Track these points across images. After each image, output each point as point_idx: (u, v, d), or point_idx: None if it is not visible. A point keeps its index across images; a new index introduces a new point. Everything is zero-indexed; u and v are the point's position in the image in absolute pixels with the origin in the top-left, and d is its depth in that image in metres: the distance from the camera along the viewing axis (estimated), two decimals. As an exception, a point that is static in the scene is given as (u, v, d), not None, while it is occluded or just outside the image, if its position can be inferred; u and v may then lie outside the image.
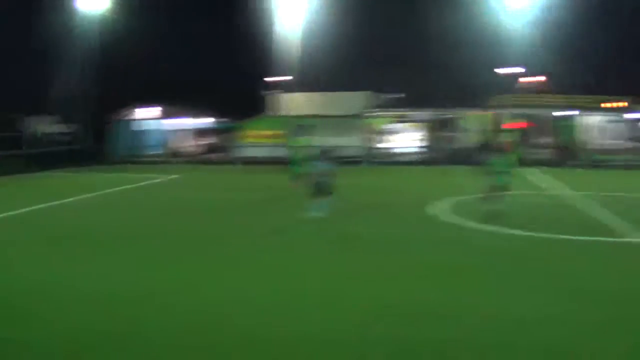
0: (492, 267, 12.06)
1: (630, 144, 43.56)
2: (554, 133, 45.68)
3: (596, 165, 37.00)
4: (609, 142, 43.74)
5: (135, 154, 46.90)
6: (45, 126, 46.72)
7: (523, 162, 37.38)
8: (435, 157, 42.40)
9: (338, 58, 53.57)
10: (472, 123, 45.35)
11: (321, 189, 17.79)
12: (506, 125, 43.08)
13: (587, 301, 9.73)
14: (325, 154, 18.39)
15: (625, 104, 44.98)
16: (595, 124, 46.44)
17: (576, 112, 45.24)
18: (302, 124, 37.09)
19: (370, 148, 43.92)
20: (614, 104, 45.64)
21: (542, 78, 59.34)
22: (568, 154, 38.85)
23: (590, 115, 45.86)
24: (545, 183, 27.70)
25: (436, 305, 9.55)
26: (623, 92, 45.53)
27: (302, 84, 51.28)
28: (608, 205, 20.16)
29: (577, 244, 14.51)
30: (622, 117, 45.39)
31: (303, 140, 29.10)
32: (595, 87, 47.12)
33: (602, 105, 45.30)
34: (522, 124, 42.53)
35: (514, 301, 9.79)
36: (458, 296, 10.05)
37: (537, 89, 54.16)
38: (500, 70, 56.39)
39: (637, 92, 44.78)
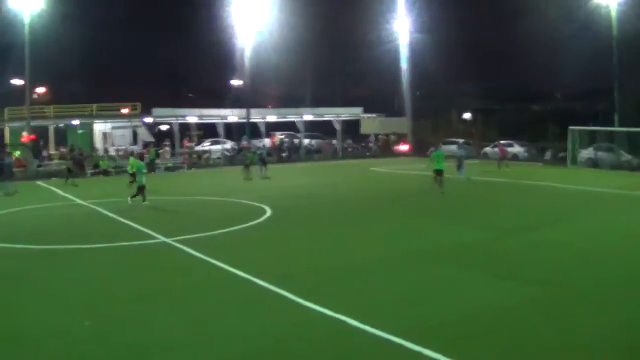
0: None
1: (137, 149, 46.21)
2: (66, 143, 45.54)
3: (107, 172, 37.54)
4: (118, 148, 45.50)
5: None
6: None
7: (39, 175, 36.23)
8: None
9: None
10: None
11: None
12: (22, 138, 40.98)
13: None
14: None
15: (128, 110, 47.53)
16: (106, 131, 47.87)
17: (84, 121, 45.88)
18: None
19: None
20: (122, 111, 47.80)
21: (43, 89, 58.57)
22: (82, 162, 38.50)
23: (100, 122, 47.07)
24: (60, 194, 27.23)
25: None
26: (127, 99, 48.03)
27: None
28: (118, 211, 20.57)
29: (109, 250, 14.75)
30: (130, 123, 47.81)
31: None
32: (98, 95, 48.46)
33: (109, 112, 46.96)
34: (32, 136, 40.95)
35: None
36: None
37: (39, 99, 53.14)
38: (16, 81, 52.76)
39: (140, 99, 47.83)
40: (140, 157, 25.30)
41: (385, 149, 53.40)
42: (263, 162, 34.21)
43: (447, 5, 56.69)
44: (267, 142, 49.93)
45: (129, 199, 22.24)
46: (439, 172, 23.92)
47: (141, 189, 21.98)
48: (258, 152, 36.55)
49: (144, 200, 21.88)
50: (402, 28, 53.64)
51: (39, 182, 33.34)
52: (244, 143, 46.84)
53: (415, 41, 53.54)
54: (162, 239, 15.70)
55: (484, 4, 59.65)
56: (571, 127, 38.22)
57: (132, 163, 26.58)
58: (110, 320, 9.52)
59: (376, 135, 55.85)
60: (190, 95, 66.37)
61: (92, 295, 10.94)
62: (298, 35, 56.18)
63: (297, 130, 54.45)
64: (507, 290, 10.79)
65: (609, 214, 19.39)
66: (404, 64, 54.31)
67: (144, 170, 22.99)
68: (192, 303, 10.36)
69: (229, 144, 50.05)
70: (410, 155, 49.72)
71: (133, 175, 25.64)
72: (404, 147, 52.71)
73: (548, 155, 42.67)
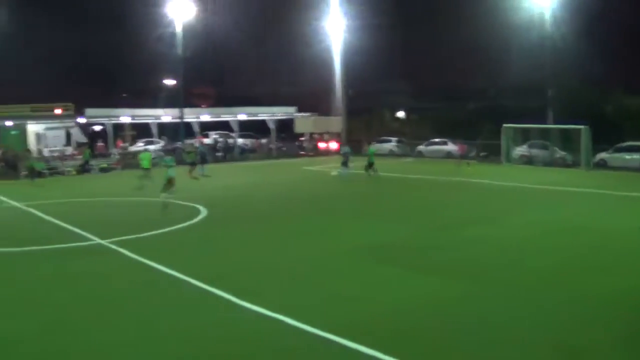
0: None
1: (72, 150, 45.70)
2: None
3: (41, 174, 36.89)
4: (52, 150, 44.90)
5: None
6: None
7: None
8: None
9: None
10: None
11: None
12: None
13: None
14: None
15: (61, 110, 46.84)
16: (39, 132, 46.98)
17: (17, 122, 44.95)
18: None
19: None
20: (56, 112, 47.02)
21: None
22: (15, 164, 37.66)
23: (33, 123, 46.20)
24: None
25: None
26: (59, 100, 47.33)
27: None
28: (53, 213, 20.65)
29: (45, 253, 14.80)
30: (64, 123, 47.08)
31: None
32: (31, 96, 47.55)
33: (42, 113, 46.18)
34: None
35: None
36: None
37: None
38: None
39: (73, 100, 47.24)
40: (169, 152, 28.52)
41: (317, 148, 54.00)
42: (204, 161, 34.82)
43: (381, 4, 56.83)
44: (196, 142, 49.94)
45: (161, 194, 22.74)
46: (370, 164, 30.99)
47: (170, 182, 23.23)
48: (199, 149, 37.02)
49: (164, 192, 22.66)
50: (335, 27, 54.17)
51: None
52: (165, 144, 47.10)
53: (349, 40, 53.86)
54: (98, 240, 15.76)
55: (417, 4, 60.47)
56: (505, 125, 38.43)
57: (144, 158, 29.12)
58: (49, 325, 9.53)
59: (310, 135, 56.58)
60: (123, 95, 65.68)
61: (30, 299, 10.97)
62: (233, 35, 56.44)
63: (231, 130, 54.70)
64: (438, 286, 11.06)
65: (541, 210, 19.93)
66: (338, 63, 54.89)
67: (173, 164, 24.19)
68: (130, 306, 10.40)
69: (162, 144, 50.01)
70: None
71: (147, 170, 28.20)
72: (333, 146, 53.50)
73: (472, 153, 42.80)
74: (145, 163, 28.83)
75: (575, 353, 8.13)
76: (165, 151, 30.09)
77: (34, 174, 32.81)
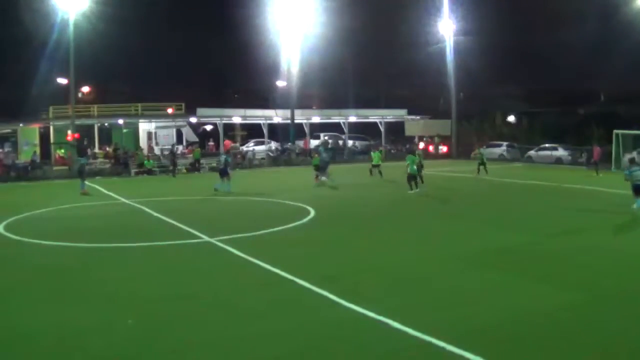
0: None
1: (183, 149, 46.36)
2: (111, 142, 45.98)
3: (151, 172, 37.67)
4: (162, 148, 45.54)
5: None
6: None
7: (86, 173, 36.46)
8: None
9: None
10: (29, 137, 43.30)
11: None
12: (68, 137, 41.30)
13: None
14: None
15: (172, 110, 47.73)
16: (151, 130, 48.07)
17: (129, 121, 46.05)
18: None
19: None
20: (168, 111, 48.00)
21: (88, 88, 59.41)
22: (127, 161, 38.67)
23: (144, 122, 47.33)
24: (104, 193, 27.31)
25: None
26: (171, 99, 48.35)
27: None
28: (163, 210, 20.57)
29: (153, 249, 14.73)
30: (174, 123, 47.99)
31: None
32: (142, 95, 48.92)
33: (154, 112, 47.23)
34: (75, 135, 41.10)
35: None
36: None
37: (84, 98, 53.82)
38: (61, 80, 52.99)
39: (184, 99, 48.06)
40: (412, 151, 31.76)
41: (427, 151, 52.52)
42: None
43: (492, 6, 55.83)
44: (300, 144, 49.77)
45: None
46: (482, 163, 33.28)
47: (411, 178, 25.30)
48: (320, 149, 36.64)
49: (411, 189, 24.91)
50: (446, 29, 52.78)
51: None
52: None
53: (460, 42, 52.52)
54: (206, 238, 15.53)
55: (528, 6, 58.99)
56: (616, 131, 36.83)
57: (375, 156, 33.01)
58: (152, 318, 9.47)
59: (420, 137, 55.03)
60: (235, 95, 66.56)
61: (135, 293, 10.82)
62: (343, 37, 55.97)
63: (341, 132, 54.21)
64: (549, 295, 10.50)
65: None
66: (449, 66, 53.39)
67: (414, 162, 26.01)
68: (234, 303, 10.22)
69: (273, 145, 50.02)
70: (453, 158, 49.41)
71: (377, 165, 32.13)
72: (442, 149, 52.25)
73: (583, 159, 40.43)
74: (375, 159, 32.63)
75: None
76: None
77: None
